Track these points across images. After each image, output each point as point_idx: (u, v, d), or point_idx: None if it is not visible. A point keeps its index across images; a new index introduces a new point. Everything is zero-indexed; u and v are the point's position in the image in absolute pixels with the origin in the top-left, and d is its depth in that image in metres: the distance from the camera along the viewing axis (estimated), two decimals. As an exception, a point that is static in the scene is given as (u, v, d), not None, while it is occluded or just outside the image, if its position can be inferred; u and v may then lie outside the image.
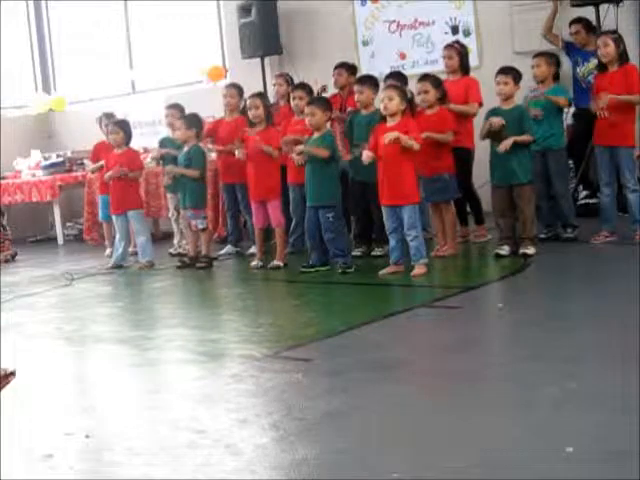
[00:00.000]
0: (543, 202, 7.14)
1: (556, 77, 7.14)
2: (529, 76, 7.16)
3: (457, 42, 7.91)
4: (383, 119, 6.59)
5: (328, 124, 7.05)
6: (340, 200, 6.93)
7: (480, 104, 7.34)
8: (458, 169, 7.15)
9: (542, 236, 7.12)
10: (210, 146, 8.36)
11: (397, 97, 6.48)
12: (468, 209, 7.63)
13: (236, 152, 7.52)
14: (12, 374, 4.02)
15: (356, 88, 7.25)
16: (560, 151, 7.11)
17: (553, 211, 7.20)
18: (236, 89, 8.38)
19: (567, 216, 7.16)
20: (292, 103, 7.70)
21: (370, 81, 7.33)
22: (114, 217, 8.21)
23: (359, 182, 7.21)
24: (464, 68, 7.60)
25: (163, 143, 8.70)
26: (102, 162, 8.60)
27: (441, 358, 4.38)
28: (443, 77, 7.48)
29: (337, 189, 6.91)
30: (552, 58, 7.16)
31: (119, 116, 9.22)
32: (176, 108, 8.52)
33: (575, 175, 8.04)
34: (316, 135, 6.90)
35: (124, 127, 8.23)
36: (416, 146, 6.37)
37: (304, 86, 7.80)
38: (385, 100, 6.52)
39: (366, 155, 6.54)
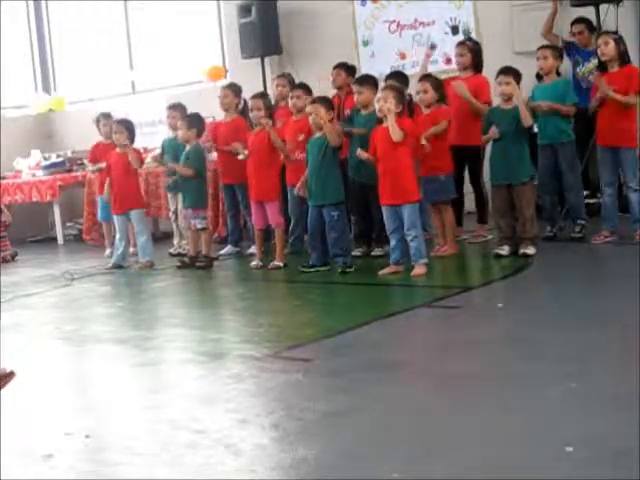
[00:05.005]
0: (548, 196, 7.15)
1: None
2: (529, 76, 7.16)
3: (469, 39, 7.92)
4: (381, 121, 6.58)
5: None
6: (344, 199, 6.94)
7: (489, 104, 7.29)
8: (469, 167, 7.24)
9: (546, 234, 7.12)
10: (209, 144, 8.33)
11: (392, 99, 6.46)
12: (474, 209, 7.64)
13: (240, 156, 7.49)
14: (12, 373, 4.03)
15: (355, 88, 7.24)
16: (570, 144, 7.09)
17: (556, 207, 7.20)
18: (230, 89, 8.38)
19: (577, 210, 7.15)
20: (290, 102, 7.69)
21: (369, 81, 7.32)
22: (115, 217, 8.20)
23: (359, 182, 7.20)
24: (476, 65, 7.56)
25: (165, 144, 8.69)
26: (101, 164, 8.61)
27: (441, 358, 4.37)
28: (443, 77, 7.48)
29: (341, 187, 6.91)
30: (557, 51, 7.21)
31: (119, 116, 9.20)
32: (178, 108, 8.50)
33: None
34: (318, 134, 6.88)
35: (128, 126, 8.21)
36: (423, 141, 6.49)
37: (303, 86, 7.81)
38: (380, 101, 6.51)
39: (365, 156, 6.56)
